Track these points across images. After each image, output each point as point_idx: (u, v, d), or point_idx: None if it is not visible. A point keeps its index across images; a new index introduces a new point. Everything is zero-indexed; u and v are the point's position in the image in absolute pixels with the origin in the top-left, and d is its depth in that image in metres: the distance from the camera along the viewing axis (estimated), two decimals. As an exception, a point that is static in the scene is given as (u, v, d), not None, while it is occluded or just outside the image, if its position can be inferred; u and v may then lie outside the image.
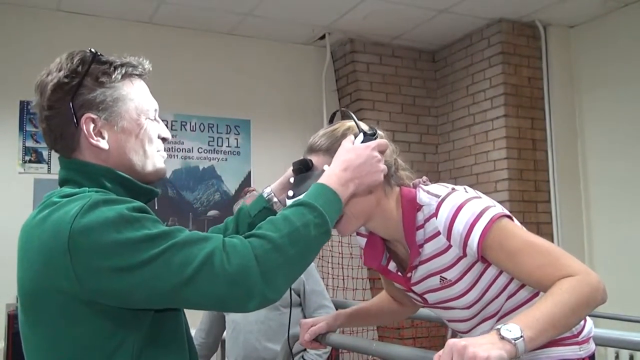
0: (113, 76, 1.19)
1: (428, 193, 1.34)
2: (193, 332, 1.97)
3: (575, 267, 1.15)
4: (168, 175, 4.24)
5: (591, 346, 1.43)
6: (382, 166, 1.27)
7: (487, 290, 1.35)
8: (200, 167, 4.53)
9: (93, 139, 1.17)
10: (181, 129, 4.45)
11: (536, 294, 1.36)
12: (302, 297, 2.72)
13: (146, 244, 1.02)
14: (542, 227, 4.44)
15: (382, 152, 1.29)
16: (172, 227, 1.08)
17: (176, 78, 4.25)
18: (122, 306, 1.06)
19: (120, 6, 4.14)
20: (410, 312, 1.72)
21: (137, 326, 1.10)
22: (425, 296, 1.43)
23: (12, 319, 3.22)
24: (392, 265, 1.48)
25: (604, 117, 4.39)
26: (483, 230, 1.22)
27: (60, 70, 1.17)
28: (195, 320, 2.74)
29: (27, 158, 4.02)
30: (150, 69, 1.27)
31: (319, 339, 1.62)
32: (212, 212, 4.49)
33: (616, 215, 4.27)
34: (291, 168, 1.40)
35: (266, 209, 1.42)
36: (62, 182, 1.21)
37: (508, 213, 1.28)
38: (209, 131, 4.58)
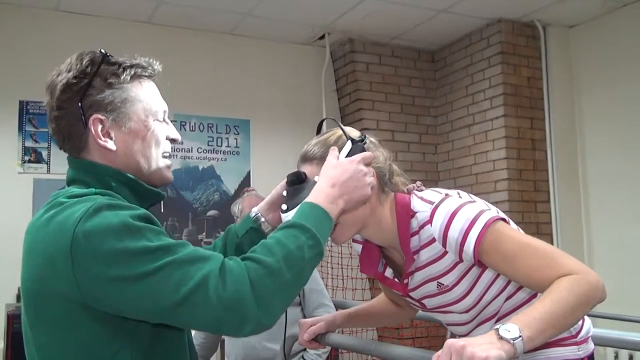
0: (122, 77, 1.19)
1: (422, 199, 1.34)
2: (193, 331, 1.97)
3: (573, 266, 1.15)
4: (167, 175, 4.23)
5: (590, 346, 1.42)
6: (369, 179, 1.26)
7: (484, 294, 1.35)
8: (200, 167, 4.53)
9: (101, 139, 1.17)
10: (181, 129, 4.45)
11: (534, 295, 1.36)
12: (302, 297, 2.72)
13: (145, 256, 1.02)
14: (541, 227, 4.44)
15: (367, 164, 1.28)
16: (173, 242, 1.06)
17: (175, 78, 4.22)
18: (118, 315, 1.05)
19: (119, 6, 4.14)
20: (410, 314, 1.72)
21: (136, 334, 1.09)
22: (423, 301, 1.43)
23: (11, 319, 3.22)
24: (388, 272, 1.47)
25: (604, 117, 4.39)
26: (478, 236, 1.21)
27: (69, 71, 1.17)
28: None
29: (26, 158, 4.02)
30: (160, 70, 1.27)
31: (318, 339, 1.62)
32: (211, 212, 4.49)
33: (616, 215, 4.27)
34: (277, 187, 1.41)
35: (253, 229, 1.41)
36: (70, 182, 1.21)
37: (503, 216, 1.28)
38: (208, 131, 4.58)
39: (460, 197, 1.33)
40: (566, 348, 1.36)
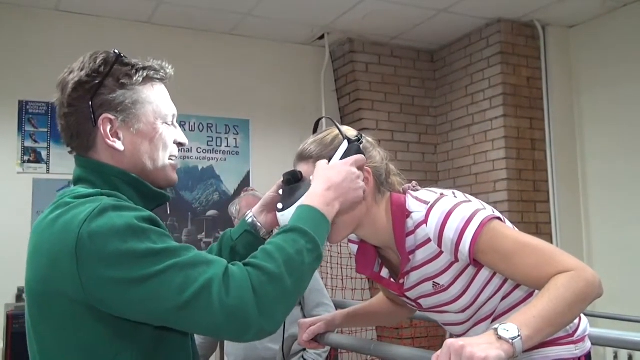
0: (134, 78, 1.19)
1: (417, 199, 1.34)
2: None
3: (570, 263, 1.15)
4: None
5: (587, 345, 1.43)
6: (361, 183, 1.26)
7: (480, 293, 1.35)
8: (200, 167, 4.53)
9: (109, 139, 1.17)
10: (180, 129, 4.44)
11: (531, 294, 1.36)
12: (302, 296, 2.72)
13: (148, 258, 1.01)
14: (541, 227, 4.44)
15: (360, 168, 1.28)
16: (177, 245, 1.06)
17: (175, 78, 4.24)
18: (121, 316, 1.05)
19: (119, 6, 4.14)
20: (409, 313, 1.72)
21: (139, 337, 1.09)
22: (419, 301, 1.43)
23: (10, 319, 3.22)
24: (384, 272, 1.48)
25: (603, 117, 4.39)
26: (474, 235, 1.21)
27: (82, 69, 1.17)
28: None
29: (25, 158, 4.02)
30: (172, 74, 1.27)
31: (317, 339, 1.62)
32: (211, 212, 4.49)
33: (615, 215, 4.27)
34: (271, 189, 1.41)
35: (247, 232, 1.41)
36: (76, 181, 1.21)
37: (498, 215, 1.28)
38: (208, 131, 4.58)
39: (455, 196, 1.33)
40: (563, 347, 1.37)
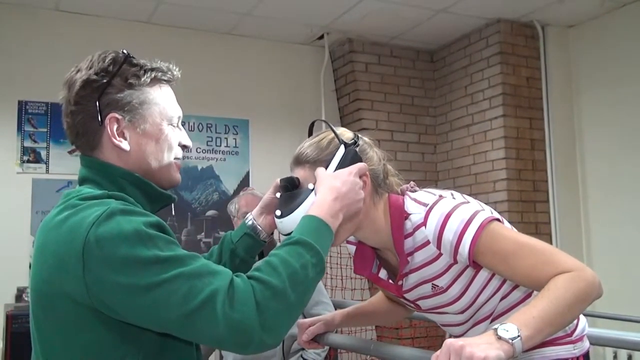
0: (142, 79, 1.19)
1: (415, 201, 1.34)
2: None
3: (570, 263, 1.15)
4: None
5: (585, 344, 1.43)
6: (362, 193, 1.26)
7: (479, 294, 1.35)
8: (199, 167, 4.53)
9: (115, 138, 1.17)
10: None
11: (530, 294, 1.36)
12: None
13: (155, 266, 1.01)
14: (540, 227, 4.45)
15: (361, 177, 1.28)
16: (184, 253, 1.06)
17: (175, 78, 4.24)
18: (125, 321, 1.05)
19: (119, 6, 4.14)
20: (408, 313, 1.72)
21: (143, 342, 1.09)
22: (417, 302, 1.43)
23: (10, 319, 3.21)
24: (383, 273, 1.47)
25: (603, 117, 4.39)
26: (473, 237, 1.21)
27: (90, 68, 1.17)
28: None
29: (25, 158, 4.02)
30: (179, 76, 1.28)
31: (317, 339, 1.62)
32: (210, 212, 4.49)
33: (614, 215, 4.28)
34: (269, 191, 1.41)
35: (247, 234, 1.41)
36: (82, 181, 1.21)
37: (497, 216, 1.28)
38: (207, 131, 4.58)
39: (454, 198, 1.33)
40: (562, 347, 1.37)
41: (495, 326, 1.00)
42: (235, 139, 4.67)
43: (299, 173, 1.33)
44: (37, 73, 3.99)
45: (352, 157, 1.30)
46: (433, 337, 4.36)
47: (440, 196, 1.32)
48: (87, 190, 1.15)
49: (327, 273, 4.22)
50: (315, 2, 4.15)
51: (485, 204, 1.37)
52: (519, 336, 0.99)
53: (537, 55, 4.58)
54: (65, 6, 4.11)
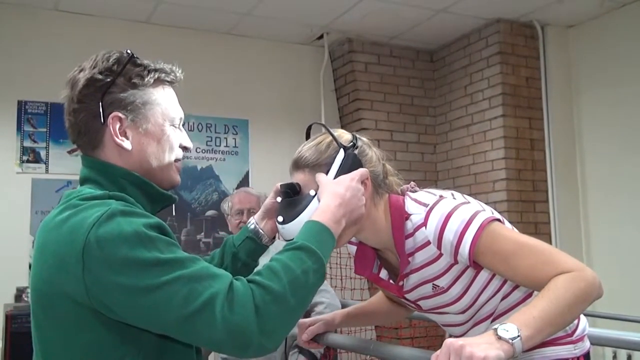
0: (146, 79, 1.20)
1: (415, 201, 1.34)
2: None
3: (570, 263, 1.15)
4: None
5: (586, 344, 1.43)
6: (364, 199, 1.26)
7: (480, 294, 1.35)
8: (199, 167, 4.53)
9: (118, 137, 1.17)
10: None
11: (530, 294, 1.36)
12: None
13: (155, 268, 1.01)
14: (540, 227, 4.45)
15: (363, 182, 1.28)
16: (184, 255, 1.06)
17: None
18: (124, 322, 1.06)
19: (118, 6, 4.13)
20: (408, 312, 1.72)
21: (143, 343, 1.09)
22: (418, 303, 1.43)
23: (9, 319, 3.21)
24: (383, 273, 1.47)
25: (602, 117, 4.39)
26: (474, 238, 1.21)
27: (94, 67, 1.18)
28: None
29: (24, 158, 4.01)
30: (182, 78, 1.28)
31: (317, 339, 1.62)
32: (210, 212, 4.49)
33: (614, 215, 4.28)
34: (270, 195, 1.41)
35: (249, 238, 1.42)
36: (83, 181, 1.21)
37: (498, 216, 1.28)
38: (207, 131, 4.58)
39: (454, 198, 1.33)
40: (562, 347, 1.37)
41: (495, 326, 1.00)
42: (234, 139, 4.67)
43: (299, 177, 1.33)
44: (37, 73, 3.98)
45: (352, 160, 1.30)
46: (433, 337, 4.36)
47: (441, 196, 1.32)
48: (88, 190, 1.15)
49: (327, 273, 4.22)
50: (315, 2, 4.15)
51: (485, 204, 1.37)
52: (519, 336, 0.99)
53: (537, 55, 4.58)
54: (65, 6, 4.11)
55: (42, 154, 4.05)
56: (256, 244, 1.42)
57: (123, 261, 1.01)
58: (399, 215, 1.33)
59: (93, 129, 1.18)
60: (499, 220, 1.27)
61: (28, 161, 4.02)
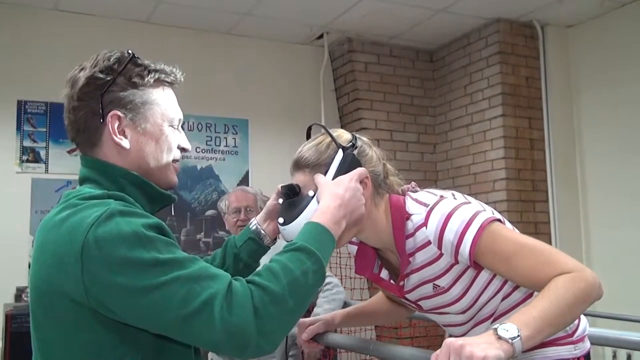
0: (146, 79, 1.20)
1: (416, 201, 1.34)
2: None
3: (570, 264, 1.15)
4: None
5: (586, 345, 1.43)
6: (363, 199, 1.26)
7: (480, 295, 1.35)
8: (198, 167, 4.53)
9: (116, 136, 1.17)
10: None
11: (530, 295, 1.36)
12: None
13: (154, 268, 1.01)
14: (539, 226, 4.45)
15: (362, 181, 1.28)
16: (183, 256, 1.06)
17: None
18: (123, 322, 1.06)
19: (118, 6, 4.14)
20: (408, 312, 1.72)
21: (142, 342, 1.09)
22: (419, 303, 1.43)
23: (9, 319, 3.21)
24: (384, 273, 1.47)
25: (602, 117, 4.39)
26: (474, 238, 1.21)
27: (95, 66, 1.18)
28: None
29: (24, 158, 4.02)
30: (182, 79, 1.29)
31: (316, 339, 1.62)
32: (209, 212, 4.49)
33: (614, 215, 4.28)
34: (272, 197, 1.41)
35: (251, 239, 1.42)
36: (82, 180, 1.21)
37: (498, 216, 1.28)
38: (206, 131, 4.58)
39: (455, 198, 1.33)
40: (562, 347, 1.37)
41: (495, 326, 1.00)
42: (234, 139, 4.67)
43: (299, 178, 1.33)
44: (37, 73, 3.99)
45: (350, 161, 1.30)
46: (432, 337, 4.36)
47: (441, 196, 1.32)
48: (87, 190, 1.15)
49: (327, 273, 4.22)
50: (315, 2, 4.15)
51: (485, 203, 1.37)
52: (518, 336, 0.99)
53: (537, 55, 4.59)
54: (64, 6, 4.11)
55: (42, 153, 4.05)
56: (258, 245, 1.42)
57: (122, 261, 1.01)
58: (400, 215, 1.33)
59: (92, 127, 1.18)
60: (499, 220, 1.27)
61: (28, 161, 4.02)
